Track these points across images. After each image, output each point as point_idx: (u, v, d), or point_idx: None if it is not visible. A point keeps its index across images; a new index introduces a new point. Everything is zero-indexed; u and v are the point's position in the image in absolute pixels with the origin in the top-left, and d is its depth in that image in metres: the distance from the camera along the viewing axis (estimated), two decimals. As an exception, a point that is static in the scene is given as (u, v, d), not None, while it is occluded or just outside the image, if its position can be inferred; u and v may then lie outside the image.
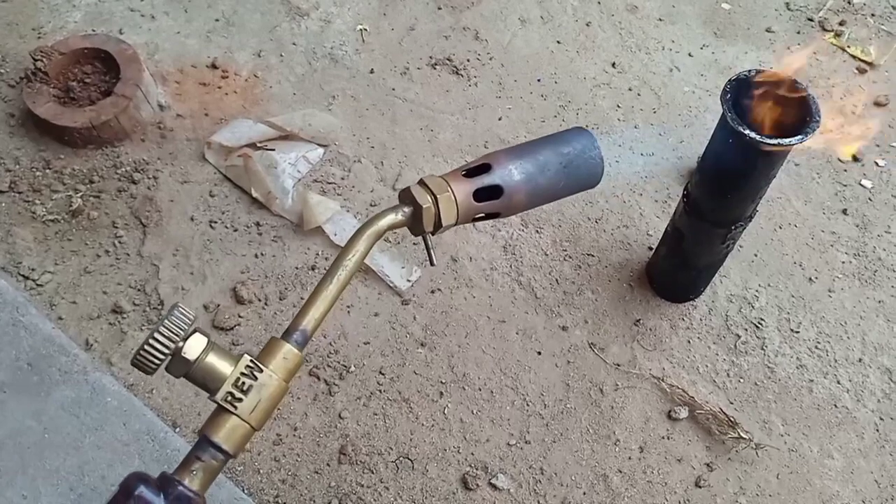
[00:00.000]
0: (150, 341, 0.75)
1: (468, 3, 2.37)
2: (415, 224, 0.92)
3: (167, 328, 0.76)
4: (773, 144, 1.27)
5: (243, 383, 0.77)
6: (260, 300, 1.80)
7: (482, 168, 0.96)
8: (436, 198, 0.91)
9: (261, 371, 0.78)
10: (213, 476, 0.77)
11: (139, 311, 1.77)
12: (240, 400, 0.77)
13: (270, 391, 0.78)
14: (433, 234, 0.95)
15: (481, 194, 0.95)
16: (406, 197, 0.93)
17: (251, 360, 0.79)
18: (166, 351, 0.76)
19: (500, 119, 2.13)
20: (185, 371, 0.78)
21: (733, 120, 1.28)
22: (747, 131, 1.27)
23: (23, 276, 1.80)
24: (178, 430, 1.61)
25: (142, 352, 0.75)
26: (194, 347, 0.78)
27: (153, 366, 0.76)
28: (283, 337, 0.82)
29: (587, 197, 1.96)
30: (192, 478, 0.75)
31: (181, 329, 0.77)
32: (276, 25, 2.28)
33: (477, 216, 0.96)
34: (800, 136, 1.26)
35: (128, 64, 2.00)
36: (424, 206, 0.90)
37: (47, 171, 1.95)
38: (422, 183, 0.92)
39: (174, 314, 0.77)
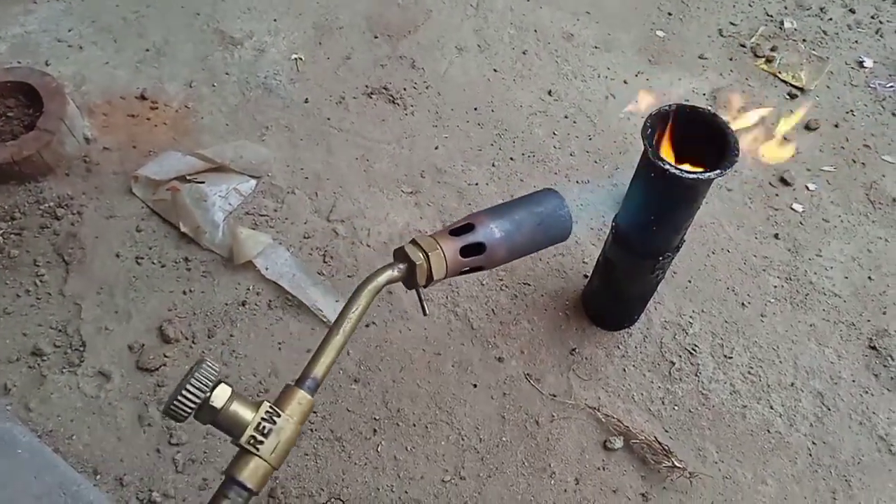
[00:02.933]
0: (184, 392, 0.82)
1: (405, 31, 2.36)
2: (409, 279, 1.03)
3: (198, 380, 0.83)
4: (693, 179, 1.27)
5: (264, 427, 0.85)
6: (187, 338, 1.75)
7: (466, 227, 1.08)
8: (427, 255, 1.02)
9: (279, 416, 0.87)
10: None
11: (60, 353, 1.71)
12: (261, 442, 0.84)
13: (288, 434, 0.87)
14: (425, 287, 1.05)
15: (467, 251, 1.07)
16: (400, 255, 1.04)
17: (270, 406, 0.87)
18: (197, 401, 0.83)
19: (436, 148, 2.12)
20: (213, 418, 0.85)
21: (654, 154, 1.29)
22: (667, 165, 1.27)
23: (-64, 319, 1.73)
24: (98, 476, 1.55)
25: (175, 402, 0.82)
26: (220, 396, 0.85)
27: (184, 414, 0.83)
28: (297, 384, 0.91)
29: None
30: None
31: (209, 380, 0.84)
32: (208, 55, 2.24)
33: (463, 270, 1.08)
34: (718, 171, 1.27)
35: (51, 97, 1.95)
36: (418, 263, 1.01)
37: (-35, 208, 1.88)
38: (414, 242, 1.04)
39: (202, 368, 0.84)
